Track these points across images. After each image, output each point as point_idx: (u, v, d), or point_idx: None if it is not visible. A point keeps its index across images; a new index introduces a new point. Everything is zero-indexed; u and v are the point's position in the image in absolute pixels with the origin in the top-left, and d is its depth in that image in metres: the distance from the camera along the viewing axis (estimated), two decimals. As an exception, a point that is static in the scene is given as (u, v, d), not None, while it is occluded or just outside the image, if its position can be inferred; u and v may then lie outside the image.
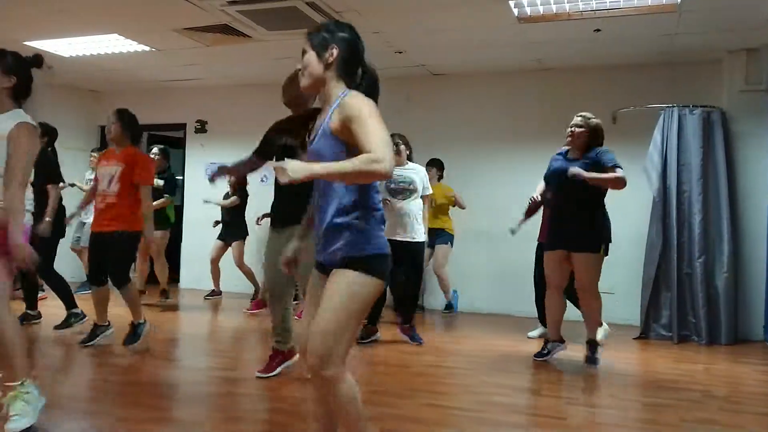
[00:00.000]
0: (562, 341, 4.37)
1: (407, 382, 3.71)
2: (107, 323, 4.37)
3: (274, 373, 3.63)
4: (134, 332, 4.28)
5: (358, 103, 1.91)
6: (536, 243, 5.09)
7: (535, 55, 6.16)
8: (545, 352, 4.36)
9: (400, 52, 6.10)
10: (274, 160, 3.47)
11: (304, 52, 2.10)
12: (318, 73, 2.05)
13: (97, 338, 4.28)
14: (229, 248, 6.70)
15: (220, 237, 6.78)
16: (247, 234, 6.70)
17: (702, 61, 5.96)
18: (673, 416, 3.17)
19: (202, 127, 8.01)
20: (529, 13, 4.99)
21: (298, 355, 3.65)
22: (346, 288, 1.92)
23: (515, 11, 4.92)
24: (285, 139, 3.52)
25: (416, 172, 4.93)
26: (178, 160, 8.00)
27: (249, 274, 6.63)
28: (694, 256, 5.36)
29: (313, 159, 1.96)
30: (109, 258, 4.21)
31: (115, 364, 3.95)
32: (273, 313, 3.69)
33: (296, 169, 1.75)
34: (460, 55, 6.22)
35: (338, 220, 1.95)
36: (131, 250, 4.39)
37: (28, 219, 2.80)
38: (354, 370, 3.34)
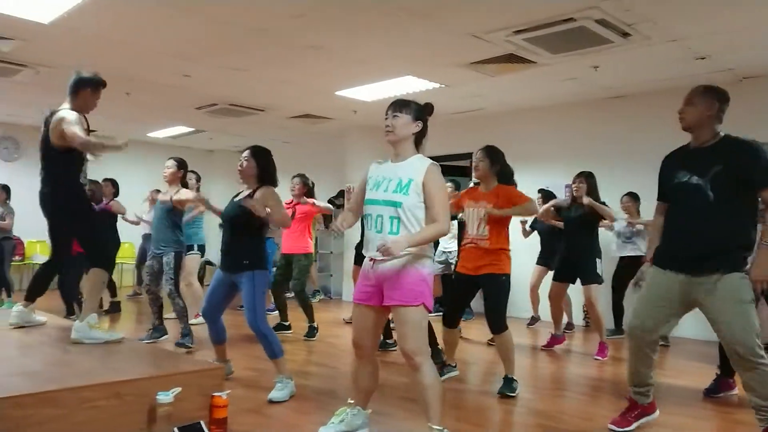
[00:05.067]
0: None
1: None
2: (454, 364, 4.43)
3: (629, 428, 3.28)
4: (507, 385, 4.04)
5: None
6: None
7: None
8: None
9: (702, 58, 5.48)
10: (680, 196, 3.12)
11: None
12: None
13: (444, 376, 4.28)
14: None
15: (540, 262, 6.70)
16: None
17: None
18: None
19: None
20: None
21: (657, 412, 3.37)
22: None
23: None
24: (686, 175, 3.05)
25: None
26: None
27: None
28: None
29: None
30: (487, 302, 4.09)
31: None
32: (631, 359, 3.25)
33: None
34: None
35: None
36: (507, 293, 4.09)
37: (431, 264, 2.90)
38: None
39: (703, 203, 2.95)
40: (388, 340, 5.42)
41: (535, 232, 6.79)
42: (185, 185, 5.48)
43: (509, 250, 4.10)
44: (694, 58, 5.48)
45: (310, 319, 6.03)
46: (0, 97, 7.84)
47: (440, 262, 6.53)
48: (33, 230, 4.19)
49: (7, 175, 8.71)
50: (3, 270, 7.64)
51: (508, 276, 4.04)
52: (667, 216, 3.19)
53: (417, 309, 2.76)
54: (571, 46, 5.20)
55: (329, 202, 9.82)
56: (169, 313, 5.83)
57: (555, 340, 5.78)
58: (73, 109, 3.74)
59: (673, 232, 3.13)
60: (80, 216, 3.87)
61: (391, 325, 5.12)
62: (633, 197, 6.38)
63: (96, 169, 7.40)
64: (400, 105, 2.90)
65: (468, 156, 8.42)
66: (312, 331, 6.01)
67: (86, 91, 3.80)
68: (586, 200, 5.28)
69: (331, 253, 10.26)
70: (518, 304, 7.08)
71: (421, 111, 2.93)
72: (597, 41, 5.03)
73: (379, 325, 3.02)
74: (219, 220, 4.50)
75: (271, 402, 3.67)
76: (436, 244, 6.46)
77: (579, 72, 6.07)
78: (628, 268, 6.07)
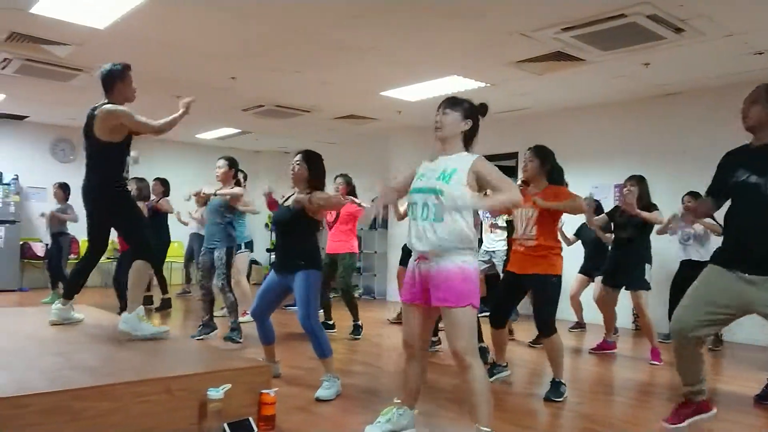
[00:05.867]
0: None
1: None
2: (505, 364, 4.35)
3: (682, 425, 3.19)
4: (555, 389, 3.94)
5: None
6: None
7: None
8: None
9: (760, 53, 5.28)
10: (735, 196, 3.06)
11: None
12: None
13: (494, 376, 4.24)
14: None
15: (582, 271, 6.54)
16: None
17: None
18: None
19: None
20: None
21: (714, 410, 3.25)
22: None
23: None
24: (745, 173, 2.98)
25: None
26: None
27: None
28: None
29: None
30: (534, 303, 4.05)
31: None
32: (678, 357, 3.16)
33: None
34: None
35: None
36: (557, 294, 4.00)
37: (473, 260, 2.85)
38: None
39: (761, 202, 2.90)
40: (432, 338, 5.39)
41: (579, 241, 6.62)
42: (238, 183, 5.58)
43: (560, 249, 3.99)
44: (751, 53, 5.28)
45: (355, 317, 6.07)
46: (57, 100, 8.15)
47: (484, 262, 6.44)
48: (88, 229, 4.34)
49: (62, 176, 8.99)
50: (60, 265, 7.92)
51: (559, 277, 3.94)
52: (727, 216, 3.12)
53: (464, 310, 2.74)
54: (622, 43, 5.09)
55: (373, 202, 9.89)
56: (218, 311, 5.95)
57: (606, 345, 5.63)
58: (115, 103, 3.76)
59: (734, 232, 3.07)
60: (122, 209, 3.90)
61: (439, 324, 5.10)
62: (695, 196, 6.05)
63: (146, 169, 7.64)
64: (451, 102, 2.93)
65: (514, 156, 8.35)
66: (357, 330, 6.04)
67: (117, 83, 3.81)
68: (632, 211, 5.03)
69: (375, 252, 10.29)
70: (561, 306, 6.91)
71: (472, 110, 2.93)
72: (648, 37, 4.91)
73: (427, 325, 3.01)
74: (265, 220, 4.57)
75: (318, 400, 3.69)
76: (479, 243, 6.39)
77: (629, 69, 5.93)
78: (687, 273, 5.82)
